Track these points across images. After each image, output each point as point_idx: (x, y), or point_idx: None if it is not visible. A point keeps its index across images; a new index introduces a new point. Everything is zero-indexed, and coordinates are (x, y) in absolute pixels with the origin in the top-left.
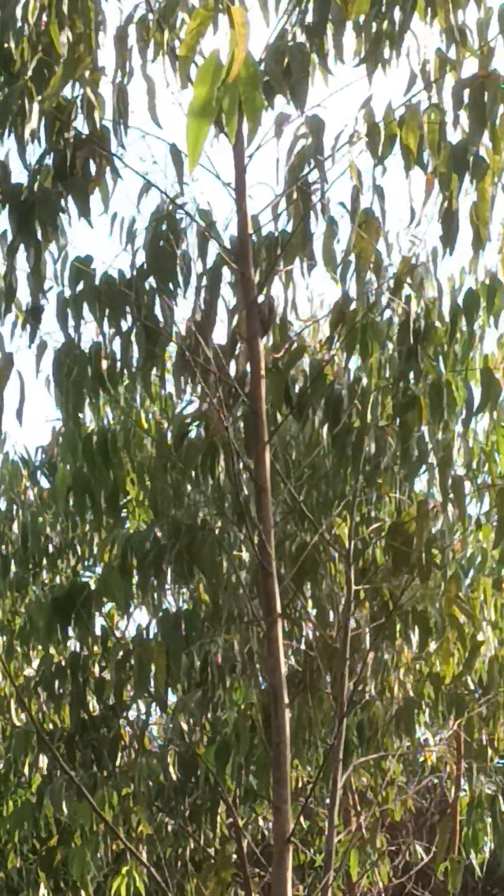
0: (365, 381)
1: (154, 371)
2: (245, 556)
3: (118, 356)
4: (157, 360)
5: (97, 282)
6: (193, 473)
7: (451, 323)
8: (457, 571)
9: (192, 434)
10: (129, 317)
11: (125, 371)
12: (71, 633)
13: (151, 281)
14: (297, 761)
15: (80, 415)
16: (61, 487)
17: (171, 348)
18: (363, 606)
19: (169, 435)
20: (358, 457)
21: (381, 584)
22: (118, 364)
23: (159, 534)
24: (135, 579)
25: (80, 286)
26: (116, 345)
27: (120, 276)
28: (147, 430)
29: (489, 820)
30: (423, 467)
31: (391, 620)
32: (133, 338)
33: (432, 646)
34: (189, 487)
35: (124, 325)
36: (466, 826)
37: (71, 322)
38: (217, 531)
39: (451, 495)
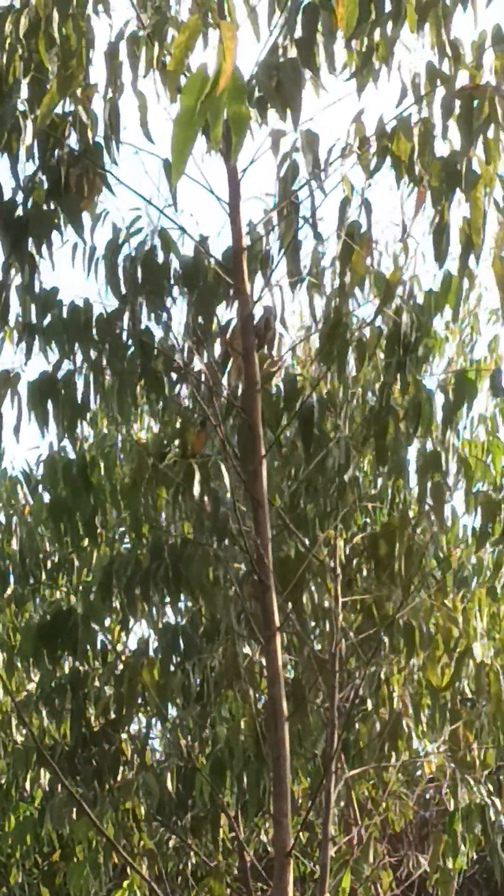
0: (340, 394)
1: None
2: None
3: (91, 384)
4: (142, 378)
5: (65, 312)
6: (173, 492)
7: (417, 322)
8: (445, 581)
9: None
10: (98, 345)
11: (98, 397)
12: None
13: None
14: (295, 775)
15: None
16: (38, 512)
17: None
18: (351, 618)
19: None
20: (327, 469)
21: (365, 595)
22: (91, 392)
23: (142, 555)
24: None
25: (48, 319)
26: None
27: (85, 303)
28: (142, 445)
29: (478, 828)
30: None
31: (377, 632)
32: (105, 362)
33: (422, 656)
34: (169, 506)
35: (93, 354)
36: (447, 835)
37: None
38: (206, 547)
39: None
